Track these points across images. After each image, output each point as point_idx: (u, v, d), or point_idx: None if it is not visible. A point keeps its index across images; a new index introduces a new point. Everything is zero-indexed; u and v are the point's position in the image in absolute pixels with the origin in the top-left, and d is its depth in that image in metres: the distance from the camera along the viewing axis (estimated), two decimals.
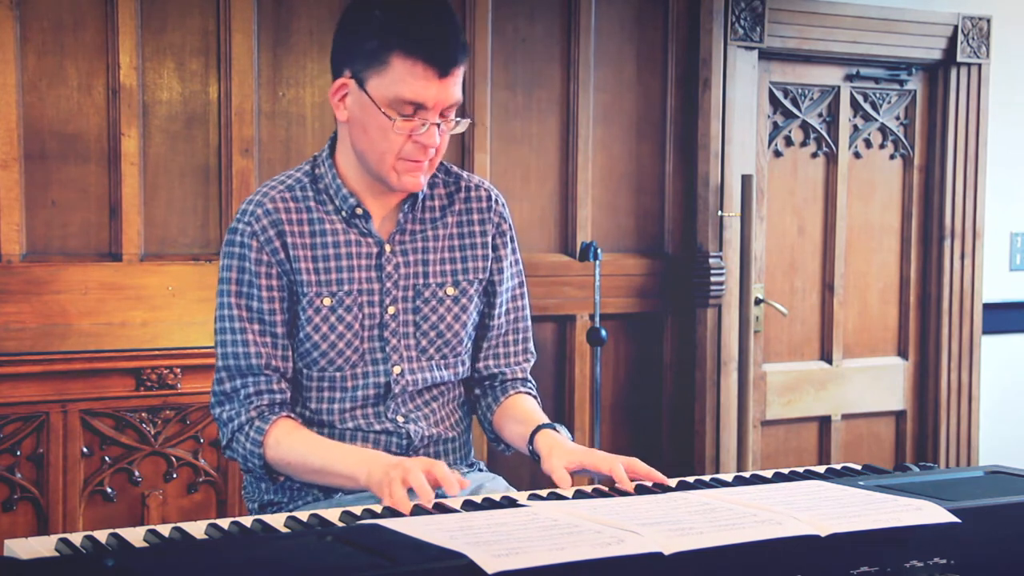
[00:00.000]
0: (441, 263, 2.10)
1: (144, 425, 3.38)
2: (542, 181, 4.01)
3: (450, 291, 2.10)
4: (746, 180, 4.21)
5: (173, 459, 3.42)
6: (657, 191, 4.20)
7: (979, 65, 4.64)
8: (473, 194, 2.15)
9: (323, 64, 3.63)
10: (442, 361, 2.10)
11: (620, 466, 1.88)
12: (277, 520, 1.61)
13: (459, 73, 1.95)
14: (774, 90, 4.41)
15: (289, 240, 2.01)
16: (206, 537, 1.52)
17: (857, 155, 4.60)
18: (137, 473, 3.38)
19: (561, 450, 1.96)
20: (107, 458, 3.35)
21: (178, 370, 3.39)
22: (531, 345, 2.23)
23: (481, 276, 2.13)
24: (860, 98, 4.57)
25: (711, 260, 4.17)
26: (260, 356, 2.00)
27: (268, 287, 2.01)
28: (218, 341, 2.04)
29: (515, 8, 3.92)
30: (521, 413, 2.11)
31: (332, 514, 1.65)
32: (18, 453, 3.26)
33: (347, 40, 2.01)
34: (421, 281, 2.08)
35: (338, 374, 2.04)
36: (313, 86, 3.62)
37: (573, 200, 4.04)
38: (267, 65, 3.56)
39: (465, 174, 2.17)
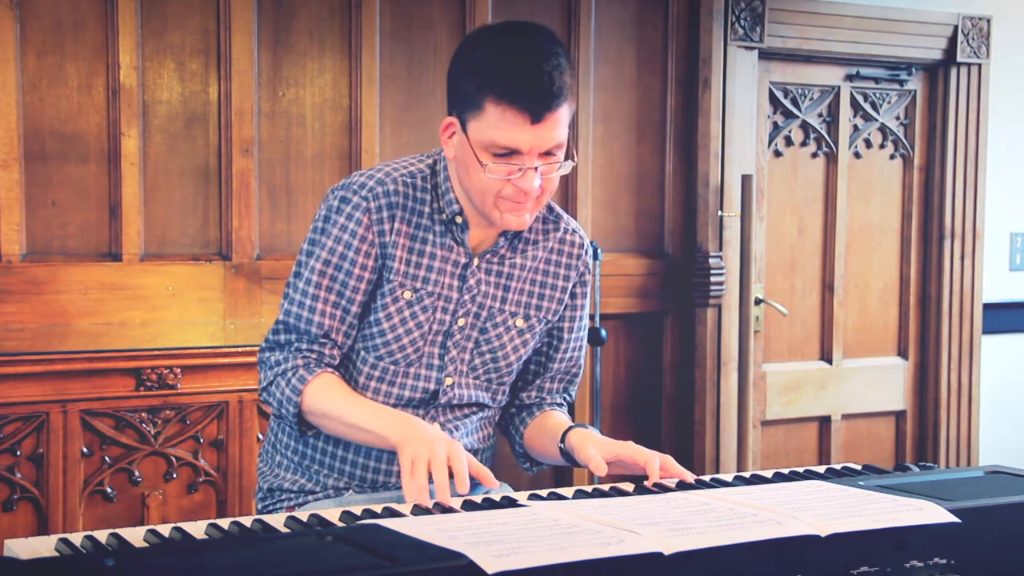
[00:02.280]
0: (519, 293, 2.12)
1: (144, 425, 3.38)
2: None
3: (519, 323, 2.13)
4: (746, 180, 4.21)
5: (173, 459, 3.43)
6: (657, 191, 4.20)
7: (979, 65, 4.64)
8: (568, 237, 2.17)
9: (323, 64, 3.63)
10: (487, 383, 2.13)
11: (656, 461, 1.92)
12: (277, 520, 1.61)
13: (556, 117, 1.89)
14: (774, 90, 4.41)
15: (396, 225, 2.02)
16: (206, 537, 1.52)
17: (857, 155, 4.60)
18: (137, 473, 3.38)
19: (596, 441, 2.01)
20: (107, 458, 3.35)
21: (178, 370, 3.39)
22: (575, 390, 2.27)
23: (551, 317, 2.16)
24: (860, 98, 4.57)
25: (711, 260, 4.17)
26: (322, 326, 2.02)
27: (362, 265, 2.02)
28: (288, 296, 2.05)
29: (515, 8, 3.92)
30: (551, 422, 2.15)
31: (332, 514, 1.65)
32: (18, 453, 3.26)
33: (452, 80, 1.98)
34: (496, 305, 2.10)
35: (392, 367, 2.06)
36: (313, 86, 3.62)
37: (573, 200, 4.04)
38: (267, 65, 3.56)
39: (565, 216, 2.19)
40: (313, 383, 1.99)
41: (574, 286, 2.19)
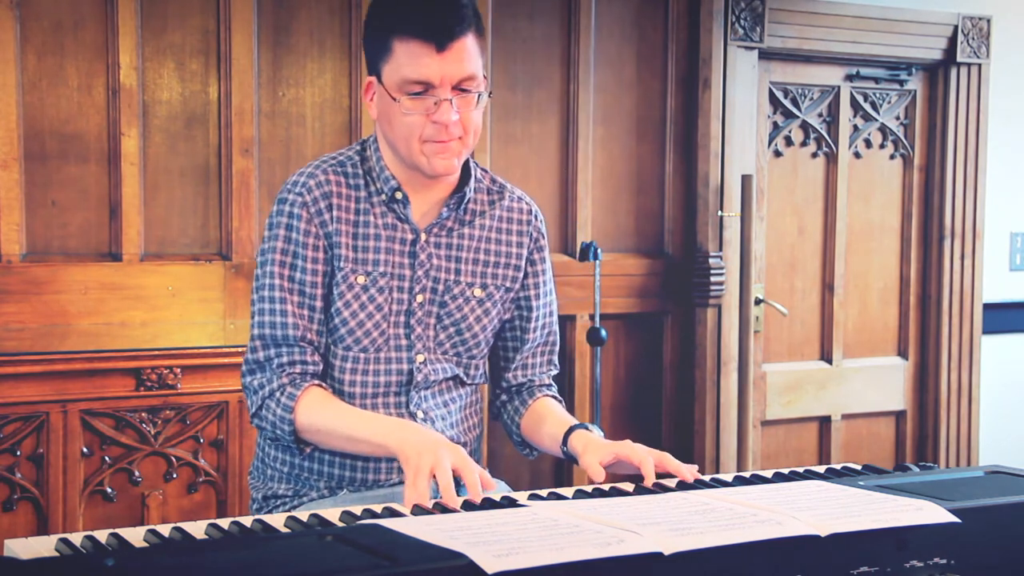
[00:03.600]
0: (472, 264, 2.13)
1: (144, 425, 3.38)
2: (542, 181, 4.01)
3: (477, 292, 2.13)
4: (746, 180, 4.21)
5: (173, 459, 3.43)
6: (657, 191, 4.20)
7: (979, 65, 4.64)
8: (515, 205, 2.18)
9: (323, 64, 3.63)
10: (456, 358, 2.13)
11: (650, 462, 1.92)
12: (277, 520, 1.61)
13: (463, 46, 1.94)
14: (774, 90, 4.41)
15: (336, 214, 2.04)
16: (206, 537, 1.52)
17: (857, 155, 4.60)
18: (137, 473, 3.38)
19: (596, 445, 2.01)
20: (107, 458, 3.35)
21: (178, 370, 3.39)
22: (556, 357, 2.27)
23: (509, 284, 2.16)
24: (860, 98, 4.57)
25: (711, 260, 4.17)
26: (297, 327, 2.02)
27: (313, 259, 2.03)
28: (256, 310, 2.05)
29: (515, 8, 3.92)
30: (551, 416, 2.15)
31: (332, 514, 1.65)
32: (18, 453, 3.26)
33: (365, 40, 2.04)
34: (452, 277, 2.11)
35: (363, 355, 2.06)
36: (313, 86, 3.62)
37: (573, 200, 4.04)
38: (267, 65, 3.56)
39: (509, 185, 2.21)
40: (303, 399, 1.99)
41: (531, 253, 2.19)
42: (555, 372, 2.27)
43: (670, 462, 1.93)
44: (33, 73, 3.30)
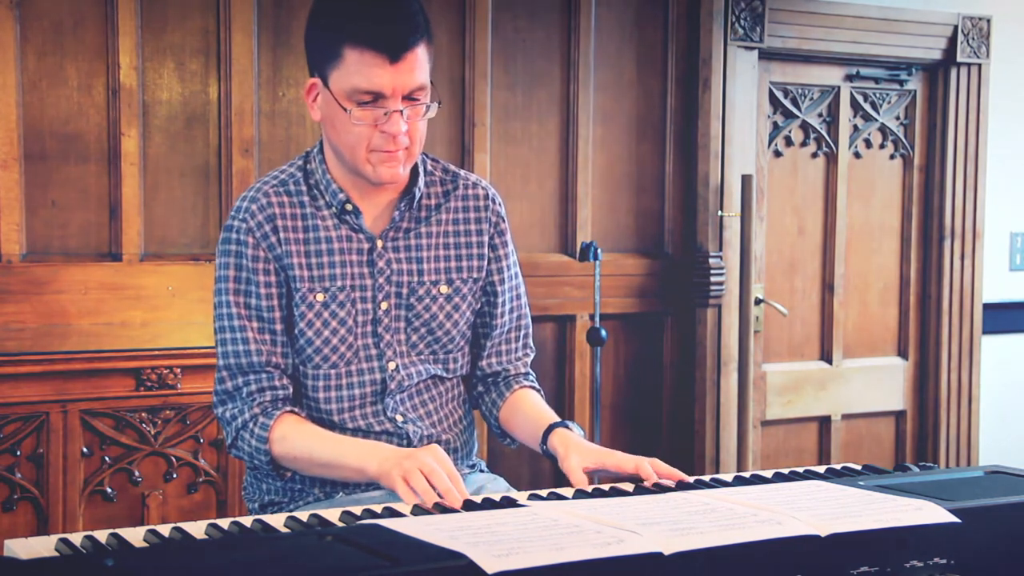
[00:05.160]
0: (435, 260, 2.10)
1: (144, 425, 3.38)
2: (542, 181, 4.01)
3: (444, 289, 2.10)
4: (746, 180, 4.21)
5: (173, 459, 3.43)
6: (657, 191, 4.20)
7: (979, 65, 4.64)
8: (470, 192, 2.15)
9: None
10: (431, 356, 2.11)
11: (647, 463, 1.89)
12: (277, 520, 1.61)
13: (415, 57, 1.93)
14: (774, 90, 4.41)
15: (283, 235, 2.01)
16: (206, 537, 1.52)
17: (857, 155, 4.60)
18: (137, 473, 3.38)
19: (579, 450, 1.97)
20: (107, 458, 3.35)
21: (178, 370, 3.39)
22: (531, 340, 2.24)
23: (476, 275, 2.13)
24: (860, 98, 4.57)
25: (711, 260, 4.17)
26: (260, 353, 2.00)
27: (266, 283, 2.01)
28: (218, 340, 2.04)
29: (515, 8, 3.92)
30: (530, 409, 2.12)
31: (332, 514, 1.65)
32: (18, 453, 3.26)
33: (309, 40, 2.00)
34: (416, 279, 2.08)
35: (333, 371, 2.04)
36: None
37: (573, 200, 4.04)
38: (267, 65, 3.56)
39: (462, 172, 2.17)
40: (276, 428, 1.97)
41: (491, 238, 2.15)
42: (531, 356, 2.23)
43: (662, 467, 1.90)
44: (33, 73, 3.30)
